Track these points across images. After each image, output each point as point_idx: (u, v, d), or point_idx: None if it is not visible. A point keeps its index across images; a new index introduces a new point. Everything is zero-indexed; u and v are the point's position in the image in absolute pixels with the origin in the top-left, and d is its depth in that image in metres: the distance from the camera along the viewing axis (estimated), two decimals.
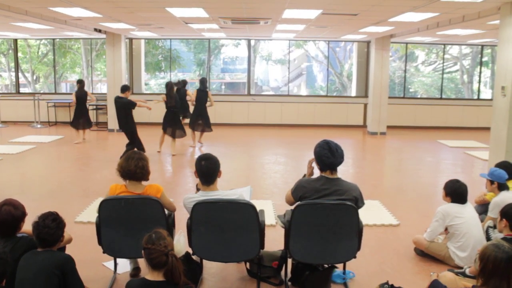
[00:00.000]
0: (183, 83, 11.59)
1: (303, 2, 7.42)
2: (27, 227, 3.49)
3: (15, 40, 16.51)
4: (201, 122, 11.09)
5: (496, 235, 4.44)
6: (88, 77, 22.23)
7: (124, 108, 9.34)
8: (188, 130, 10.86)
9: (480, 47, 16.83)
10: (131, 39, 15.67)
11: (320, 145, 3.90)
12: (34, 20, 9.72)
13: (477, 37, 13.04)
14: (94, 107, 14.83)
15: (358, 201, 3.87)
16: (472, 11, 8.15)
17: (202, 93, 10.98)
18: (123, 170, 4.01)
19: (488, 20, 8.65)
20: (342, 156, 3.87)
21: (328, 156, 3.83)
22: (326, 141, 3.91)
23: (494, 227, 4.70)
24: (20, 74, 20.37)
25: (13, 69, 18.61)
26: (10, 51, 19.75)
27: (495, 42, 13.84)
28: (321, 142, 3.93)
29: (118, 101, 9.44)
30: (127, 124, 9.38)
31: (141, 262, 4.17)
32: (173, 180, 8.64)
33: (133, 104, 9.38)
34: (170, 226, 3.98)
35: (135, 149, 9.19)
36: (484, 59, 20.04)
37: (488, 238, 4.64)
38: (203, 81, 11.18)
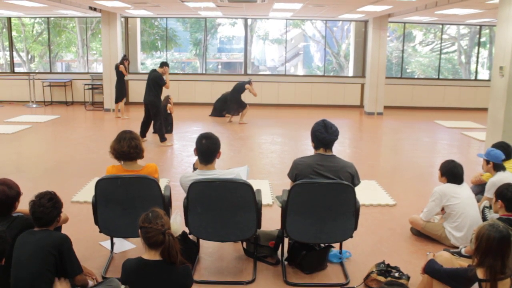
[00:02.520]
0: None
1: None
2: (23, 206, 3.48)
3: (9, 19, 16.30)
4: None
5: (492, 215, 4.46)
6: (83, 56, 22.06)
7: (155, 80, 9.25)
8: None
9: (478, 27, 16.73)
10: (126, 18, 15.50)
11: (317, 123, 3.95)
12: None
13: (475, 17, 12.95)
14: (90, 86, 14.74)
15: (354, 178, 3.88)
16: None
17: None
18: (116, 152, 3.99)
19: (488, 0, 8.57)
20: (336, 134, 3.90)
21: (322, 131, 3.86)
22: (323, 120, 3.96)
23: (490, 207, 4.72)
24: (14, 53, 20.16)
25: (7, 49, 18.41)
26: (4, 30, 19.52)
27: (494, 22, 13.75)
28: (318, 121, 3.96)
29: (152, 73, 9.40)
30: (156, 98, 9.30)
31: (138, 241, 4.17)
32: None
33: (163, 81, 9.30)
34: (166, 205, 3.97)
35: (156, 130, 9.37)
36: (482, 39, 19.94)
37: (484, 218, 4.66)
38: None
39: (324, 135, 3.86)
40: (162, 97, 9.89)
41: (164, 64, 9.58)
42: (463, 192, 4.67)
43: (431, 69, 23.91)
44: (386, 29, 14.01)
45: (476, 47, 17.51)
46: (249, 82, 12.17)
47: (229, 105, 12.31)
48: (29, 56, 24.00)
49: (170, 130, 10.46)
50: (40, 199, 3.20)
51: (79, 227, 4.87)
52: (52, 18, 18.39)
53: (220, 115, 12.90)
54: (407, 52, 23.77)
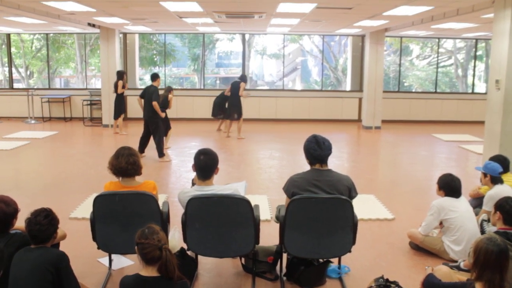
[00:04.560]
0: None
1: None
2: (21, 223, 3.48)
3: (8, 35, 16.39)
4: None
5: (490, 229, 4.46)
6: (82, 72, 22.14)
7: (151, 96, 9.22)
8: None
9: (474, 41, 16.85)
10: (125, 34, 15.60)
11: (308, 140, 3.95)
12: (27, 14, 9.64)
13: (471, 31, 13.05)
14: (88, 102, 14.77)
15: (351, 191, 3.88)
16: (466, 4, 8.15)
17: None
18: (114, 168, 3.99)
19: (483, 14, 8.65)
20: (329, 148, 3.92)
21: (315, 148, 3.87)
22: (314, 135, 3.96)
23: (488, 220, 4.71)
24: (13, 69, 20.24)
25: (6, 65, 18.48)
26: (4, 46, 19.61)
27: (489, 35, 13.85)
28: (309, 137, 3.98)
29: (149, 88, 9.38)
30: (155, 114, 9.22)
31: (136, 258, 4.16)
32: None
33: (156, 97, 9.22)
34: (165, 221, 3.96)
35: (158, 142, 9.28)
36: (478, 53, 20.08)
37: (482, 231, 4.65)
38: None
39: (318, 152, 3.87)
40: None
41: (155, 77, 9.58)
42: (461, 206, 4.67)
43: (428, 82, 24.04)
44: (383, 43, 14.10)
45: (473, 61, 17.61)
46: (245, 80, 12.13)
47: (230, 110, 11.98)
48: (28, 72, 24.07)
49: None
50: (36, 216, 3.19)
51: (77, 243, 4.85)
52: (51, 34, 18.49)
53: (218, 116, 12.80)
54: (404, 66, 23.90)
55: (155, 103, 9.14)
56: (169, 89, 10.26)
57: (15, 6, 8.72)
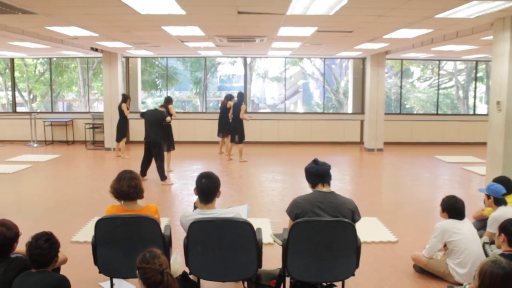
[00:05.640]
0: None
1: (298, 19, 7.47)
2: (22, 247, 3.46)
3: (12, 60, 16.55)
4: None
5: (494, 251, 4.42)
6: (84, 96, 22.26)
7: (158, 119, 9.33)
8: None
9: (474, 62, 16.95)
10: (127, 58, 15.73)
11: (308, 163, 4.05)
12: (31, 39, 9.76)
13: (471, 53, 13.13)
14: (91, 125, 14.83)
15: (354, 214, 3.87)
16: (465, 27, 8.22)
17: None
18: (116, 191, 3.98)
19: (482, 36, 8.71)
20: (327, 165, 4.00)
21: (313, 166, 3.97)
22: (314, 159, 4.07)
23: (491, 243, 4.68)
24: (17, 93, 20.38)
25: (10, 88, 18.62)
26: (7, 70, 19.80)
27: (489, 57, 13.92)
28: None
29: (154, 112, 9.50)
30: (158, 137, 9.32)
31: (137, 282, 4.12)
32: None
33: (166, 115, 9.48)
34: (167, 245, 3.94)
35: (159, 165, 9.31)
36: (479, 74, 20.19)
37: (485, 254, 4.61)
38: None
39: (316, 168, 3.93)
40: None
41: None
42: (465, 228, 4.64)
43: (429, 104, 24.10)
44: (384, 66, 14.19)
45: (473, 82, 17.69)
46: (242, 99, 12.11)
47: (234, 132, 11.94)
48: (31, 96, 24.22)
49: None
50: (36, 240, 3.17)
51: (79, 267, 4.81)
52: (54, 59, 18.65)
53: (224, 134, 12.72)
54: (406, 88, 24.01)
55: (168, 118, 9.47)
56: (168, 100, 10.32)
57: (19, 31, 8.83)
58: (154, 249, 3.00)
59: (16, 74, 20.57)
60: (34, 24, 8.25)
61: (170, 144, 10.09)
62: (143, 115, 9.63)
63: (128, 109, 12.29)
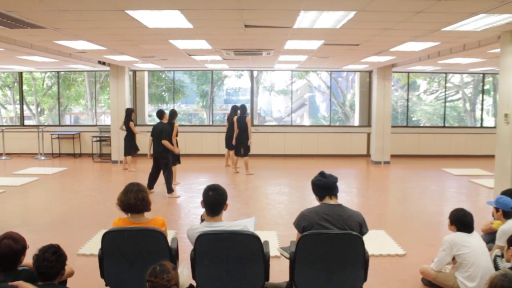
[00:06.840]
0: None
1: (305, 33, 7.50)
2: (29, 260, 3.46)
3: (20, 73, 16.71)
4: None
5: (505, 265, 4.37)
6: (92, 109, 22.36)
7: (164, 132, 9.30)
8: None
9: (481, 75, 16.93)
10: (134, 71, 15.83)
11: (315, 176, 4.03)
12: (39, 53, 9.85)
13: (478, 66, 13.12)
14: (98, 138, 14.89)
15: (362, 227, 3.84)
16: (472, 40, 8.22)
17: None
18: (123, 204, 3.98)
19: (489, 49, 8.72)
20: (334, 177, 3.98)
21: (319, 178, 3.95)
22: (321, 171, 4.05)
23: (502, 256, 4.63)
24: (24, 107, 20.52)
25: (18, 102, 18.76)
26: (16, 84, 19.96)
27: (496, 70, 13.92)
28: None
29: (156, 127, 9.43)
30: (165, 149, 9.29)
31: None
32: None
33: (166, 135, 9.33)
34: (173, 258, 3.93)
35: (167, 177, 9.29)
36: (486, 87, 20.14)
37: (496, 267, 4.56)
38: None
39: (323, 180, 3.92)
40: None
41: (161, 114, 9.65)
42: (473, 241, 4.59)
43: (436, 117, 24.02)
44: (391, 79, 14.20)
45: (480, 95, 17.64)
46: (245, 111, 12.18)
47: (237, 146, 11.99)
48: (39, 109, 24.37)
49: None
50: (43, 253, 3.17)
51: (85, 280, 4.80)
52: (62, 72, 18.78)
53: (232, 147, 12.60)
54: (412, 101, 23.96)
55: (165, 142, 9.23)
56: (173, 113, 10.26)
57: (28, 45, 8.92)
58: (165, 263, 3.00)
59: (24, 87, 20.71)
60: (42, 38, 8.33)
61: (175, 158, 10.08)
62: (152, 133, 9.59)
63: (132, 120, 12.29)
